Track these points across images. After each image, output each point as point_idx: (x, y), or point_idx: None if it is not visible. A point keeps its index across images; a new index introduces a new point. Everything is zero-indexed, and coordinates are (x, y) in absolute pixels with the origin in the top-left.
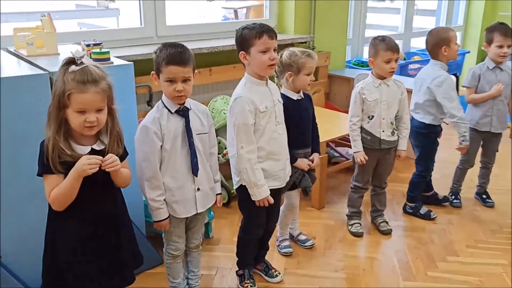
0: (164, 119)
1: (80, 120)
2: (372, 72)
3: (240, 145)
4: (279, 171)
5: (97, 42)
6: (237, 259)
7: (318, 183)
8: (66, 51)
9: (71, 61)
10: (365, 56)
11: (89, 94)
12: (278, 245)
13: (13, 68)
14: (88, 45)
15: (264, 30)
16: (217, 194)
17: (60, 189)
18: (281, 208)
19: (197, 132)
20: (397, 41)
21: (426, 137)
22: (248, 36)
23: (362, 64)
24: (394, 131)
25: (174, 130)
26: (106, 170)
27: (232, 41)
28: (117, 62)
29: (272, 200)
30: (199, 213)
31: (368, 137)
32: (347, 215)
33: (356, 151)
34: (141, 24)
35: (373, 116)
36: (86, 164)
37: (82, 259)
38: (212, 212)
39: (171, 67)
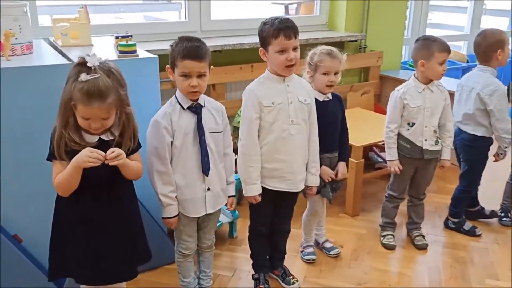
0: (175, 114)
1: (86, 124)
2: (414, 76)
3: (240, 136)
4: (286, 173)
5: (127, 34)
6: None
7: (352, 189)
8: (100, 42)
9: (82, 63)
10: None
11: (93, 109)
12: (302, 251)
13: (41, 57)
14: (117, 37)
15: (281, 29)
16: (229, 196)
17: (62, 176)
18: (305, 212)
19: (210, 131)
20: (461, 43)
21: (477, 151)
22: (266, 34)
23: None
24: (438, 140)
25: (185, 126)
26: (110, 164)
27: None
28: (143, 55)
29: (259, 199)
30: (211, 213)
31: (408, 145)
32: (380, 225)
33: (391, 159)
34: (185, 18)
35: (414, 124)
36: (87, 156)
37: (81, 248)
38: (237, 212)
39: (186, 62)
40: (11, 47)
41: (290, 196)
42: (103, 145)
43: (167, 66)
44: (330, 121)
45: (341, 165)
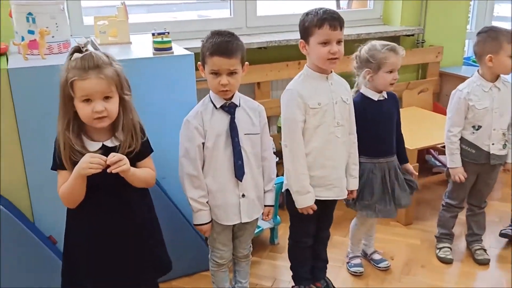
0: (207, 114)
1: (88, 111)
2: (478, 72)
3: (284, 142)
4: (334, 180)
5: (165, 31)
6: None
7: None
8: (139, 40)
9: (77, 50)
10: None
11: (91, 80)
12: (348, 262)
13: None
14: (153, 34)
15: (326, 18)
16: (266, 206)
17: (66, 187)
18: (353, 220)
19: (245, 132)
20: None
21: None
22: (309, 24)
23: None
24: (506, 143)
25: (217, 127)
26: (112, 171)
27: None
28: (178, 52)
29: (315, 207)
30: (247, 222)
31: (473, 150)
32: (436, 236)
33: (454, 166)
34: (230, 14)
35: (479, 127)
36: (87, 162)
37: (93, 261)
38: (278, 217)
39: (215, 58)
40: (47, 46)
41: (333, 202)
42: (107, 153)
43: (199, 63)
44: (386, 122)
45: (408, 166)
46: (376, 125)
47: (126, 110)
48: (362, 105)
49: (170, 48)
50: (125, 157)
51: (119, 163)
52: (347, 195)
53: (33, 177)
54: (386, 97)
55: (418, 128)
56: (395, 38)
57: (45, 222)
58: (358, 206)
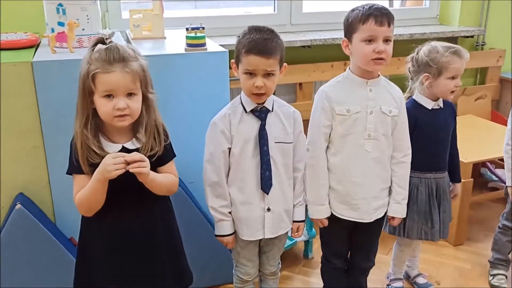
0: (236, 117)
1: (109, 108)
2: None
3: (307, 145)
4: (360, 199)
5: (200, 26)
6: None
7: (457, 213)
8: (174, 35)
9: (100, 41)
10: None
11: (116, 73)
12: (388, 285)
13: None
14: (187, 29)
15: (371, 13)
16: (294, 221)
17: (84, 193)
18: (397, 240)
19: (276, 140)
20: None
21: None
22: (353, 20)
23: None
24: None
25: (246, 132)
26: (130, 170)
27: None
28: (212, 48)
29: (326, 223)
30: (276, 236)
31: None
32: (489, 261)
33: None
34: (274, 11)
35: None
36: (111, 164)
37: (109, 271)
38: (314, 230)
39: (251, 57)
40: (77, 39)
41: (371, 227)
42: None
43: (232, 60)
44: (440, 134)
45: (458, 187)
46: (427, 137)
47: (150, 110)
48: (413, 113)
49: (204, 44)
50: (147, 159)
51: (141, 163)
52: (391, 221)
53: (55, 176)
54: (442, 106)
55: (474, 139)
56: (453, 39)
57: (67, 223)
58: (400, 227)
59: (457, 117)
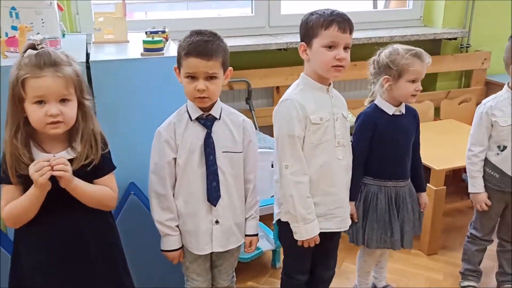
0: (181, 126)
1: (40, 114)
2: (508, 85)
3: (284, 163)
4: (335, 209)
5: (163, 29)
6: None
7: (429, 222)
8: (139, 38)
9: (30, 47)
10: None
11: (46, 78)
12: None
13: None
14: (146, 33)
15: (334, 19)
16: (247, 235)
17: (16, 206)
18: (359, 251)
19: (224, 149)
20: None
21: None
22: (314, 24)
23: None
24: None
25: (191, 142)
26: (53, 173)
27: (357, 34)
28: (169, 53)
29: (318, 241)
30: (227, 250)
31: (496, 174)
32: (460, 272)
33: (475, 191)
34: (252, 13)
35: (505, 147)
36: (33, 173)
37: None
38: None
39: (191, 59)
40: None
41: (337, 235)
42: None
43: (175, 66)
44: (400, 141)
45: (424, 197)
46: (387, 143)
47: (86, 117)
48: (373, 118)
49: (161, 49)
50: (68, 162)
51: (63, 166)
52: None
53: None
54: (404, 112)
55: (451, 145)
56: (436, 42)
57: None
58: (359, 236)
59: (438, 122)
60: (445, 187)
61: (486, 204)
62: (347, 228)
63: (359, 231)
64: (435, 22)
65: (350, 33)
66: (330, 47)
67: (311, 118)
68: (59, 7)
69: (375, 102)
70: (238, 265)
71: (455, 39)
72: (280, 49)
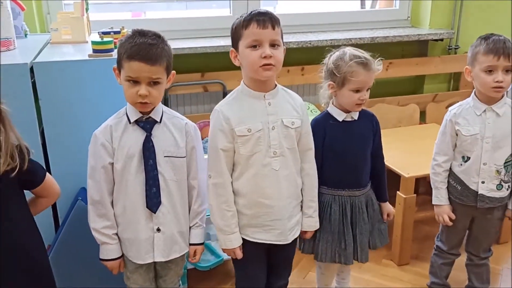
0: (119, 129)
1: None
2: (474, 92)
3: (208, 172)
4: (272, 221)
5: (113, 30)
6: None
7: (399, 232)
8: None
9: None
10: None
11: None
12: None
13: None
14: (99, 33)
15: (253, 17)
16: (192, 244)
17: None
18: (317, 263)
19: (166, 154)
20: None
21: None
22: (236, 27)
23: None
24: (503, 183)
25: (129, 146)
26: None
27: (332, 35)
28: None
29: (240, 255)
30: (170, 260)
31: (458, 186)
32: (427, 285)
33: (438, 204)
34: (230, 13)
35: (468, 158)
36: None
37: None
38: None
39: (134, 63)
40: None
41: (288, 246)
42: None
43: (114, 66)
44: (353, 148)
45: (387, 206)
46: (338, 151)
47: (4, 123)
48: (322, 125)
49: (111, 50)
50: None
51: None
52: (304, 235)
53: None
54: (356, 118)
55: (430, 151)
56: (423, 43)
57: None
58: (310, 247)
59: (420, 126)
60: (415, 195)
61: (450, 218)
62: (289, 242)
63: (310, 241)
64: (422, 22)
65: (273, 28)
66: (254, 46)
67: (236, 131)
68: (20, 7)
69: (328, 108)
70: (197, 273)
71: (441, 40)
72: None
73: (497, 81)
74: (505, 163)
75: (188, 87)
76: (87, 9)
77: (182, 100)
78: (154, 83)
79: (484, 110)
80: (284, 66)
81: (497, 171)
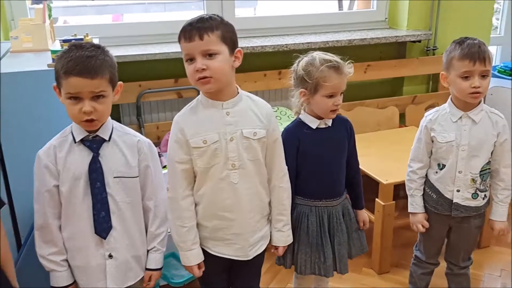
0: (63, 150)
1: None
2: (451, 98)
3: (167, 185)
4: (232, 235)
5: (78, 37)
6: None
7: (379, 238)
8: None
9: None
10: None
11: None
12: None
13: None
14: (61, 41)
15: (181, 31)
16: (147, 269)
17: None
18: (294, 274)
19: (116, 174)
20: None
21: None
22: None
23: None
24: (478, 192)
25: (75, 167)
26: None
27: (309, 38)
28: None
29: (197, 273)
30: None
31: (434, 195)
32: None
33: (413, 212)
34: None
35: (444, 166)
36: None
37: None
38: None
39: (72, 79)
40: None
41: (250, 262)
42: None
43: (54, 84)
44: (328, 156)
45: (362, 214)
46: (313, 160)
47: None
48: (295, 133)
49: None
50: None
51: None
52: (274, 250)
53: None
54: (330, 124)
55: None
56: (401, 45)
57: None
58: (291, 260)
59: (401, 128)
60: (394, 202)
61: (423, 226)
62: (249, 258)
63: (287, 253)
64: (400, 24)
65: (202, 38)
66: (190, 60)
67: (190, 142)
68: None
69: (300, 115)
70: None
71: (419, 41)
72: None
73: (474, 87)
74: (481, 171)
75: (161, 94)
76: (50, 15)
77: (155, 107)
78: (98, 97)
79: (460, 117)
80: (260, 70)
81: (473, 179)
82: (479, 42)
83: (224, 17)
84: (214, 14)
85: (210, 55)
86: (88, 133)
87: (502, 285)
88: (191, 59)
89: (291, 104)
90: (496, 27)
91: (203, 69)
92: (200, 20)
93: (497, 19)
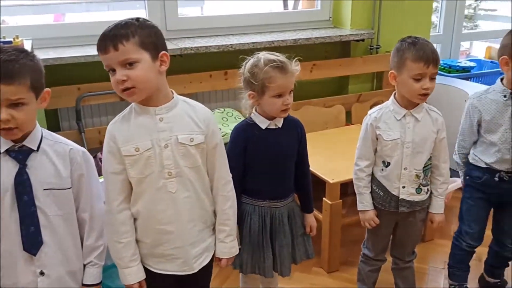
0: None
1: None
2: (394, 96)
3: (104, 198)
4: (173, 249)
5: (6, 40)
6: None
7: (328, 237)
8: None
9: None
10: (462, 57)
11: None
12: None
13: None
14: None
15: (98, 39)
16: (84, 285)
17: None
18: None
19: (46, 186)
20: None
21: None
22: None
23: (456, 70)
24: (421, 187)
25: (2, 180)
26: None
27: (255, 38)
28: None
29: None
30: None
31: (381, 192)
32: None
33: (362, 209)
34: (146, 15)
35: (389, 163)
36: None
37: None
38: None
39: None
40: None
41: (198, 276)
42: None
43: None
44: (275, 157)
45: (310, 218)
46: (259, 160)
47: None
48: (243, 133)
49: None
50: None
51: None
52: (218, 262)
53: None
54: (280, 125)
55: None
56: (345, 44)
57: None
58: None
59: (346, 127)
60: (341, 200)
61: (374, 222)
62: (195, 271)
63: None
64: (344, 23)
65: (117, 48)
66: (112, 70)
67: (122, 150)
68: None
69: (251, 115)
70: None
71: (362, 40)
72: (175, 55)
73: (424, 88)
74: (424, 167)
75: (102, 97)
76: None
77: (97, 110)
78: (17, 105)
79: (404, 115)
80: (206, 71)
81: (417, 175)
82: (430, 44)
83: (167, 17)
84: (133, 18)
85: (130, 64)
86: (14, 143)
87: (446, 278)
88: (113, 70)
89: (239, 105)
90: (436, 26)
91: (124, 80)
92: (114, 28)
93: (437, 17)
